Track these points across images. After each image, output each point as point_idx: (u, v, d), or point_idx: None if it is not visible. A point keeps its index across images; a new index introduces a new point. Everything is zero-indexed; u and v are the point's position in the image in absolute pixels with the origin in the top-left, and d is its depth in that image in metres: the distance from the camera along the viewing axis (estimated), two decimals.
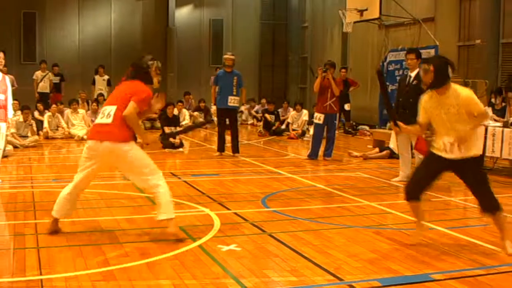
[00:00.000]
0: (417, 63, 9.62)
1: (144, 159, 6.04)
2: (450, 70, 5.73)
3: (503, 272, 5.18)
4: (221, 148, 12.96)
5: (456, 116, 5.72)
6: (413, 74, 9.62)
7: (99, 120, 6.04)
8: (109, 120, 5.89)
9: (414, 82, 9.53)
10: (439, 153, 5.85)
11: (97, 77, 20.28)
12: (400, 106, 9.60)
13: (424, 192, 6.06)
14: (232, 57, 12.98)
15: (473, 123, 5.75)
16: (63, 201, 6.17)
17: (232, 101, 12.72)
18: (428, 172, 5.98)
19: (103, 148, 5.89)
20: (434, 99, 5.85)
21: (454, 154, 5.76)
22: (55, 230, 6.24)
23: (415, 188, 5.99)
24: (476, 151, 5.84)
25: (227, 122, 12.96)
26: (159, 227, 6.38)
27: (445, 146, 5.80)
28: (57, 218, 6.24)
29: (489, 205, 5.83)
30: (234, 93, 12.73)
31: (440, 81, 5.73)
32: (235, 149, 12.93)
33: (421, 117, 6.03)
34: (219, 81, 12.88)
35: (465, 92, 5.77)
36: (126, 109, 5.86)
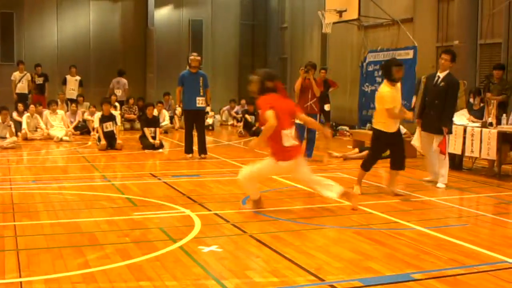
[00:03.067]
0: (449, 65, 9.54)
1: None
2: None
3: (483, 272, 5.22)
4: (190, 149, 12.65)
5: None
6: (442, 75, 9.52)
7: (291, 142, 7.22)
8: (297, 142, 7.33)
9: (442, 84, 9.46)
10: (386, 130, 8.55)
11: (68, 77, 20.05)
12: (425, 106, 9.68)
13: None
14: (198, 58, 12.72)
15: None
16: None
17: (200, 101, 12.43)
18: (381, 151, 8.92)
19: (294, 163, 7.27)
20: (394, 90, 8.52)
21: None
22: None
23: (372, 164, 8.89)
24: None
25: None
26: (139, 228, 6.35)
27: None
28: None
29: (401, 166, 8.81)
30: (201, 93, 12.49)
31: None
32: (203, 150, 12.67)
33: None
34: (185, 82, 12.47)
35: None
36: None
